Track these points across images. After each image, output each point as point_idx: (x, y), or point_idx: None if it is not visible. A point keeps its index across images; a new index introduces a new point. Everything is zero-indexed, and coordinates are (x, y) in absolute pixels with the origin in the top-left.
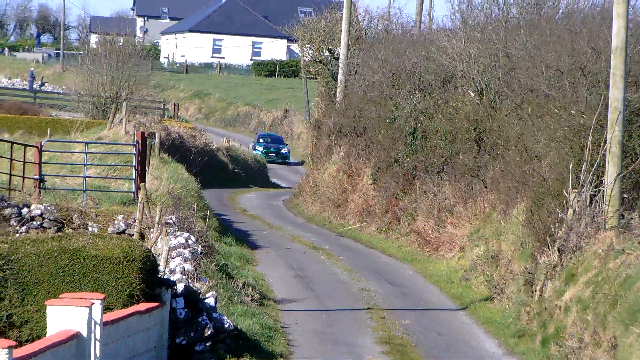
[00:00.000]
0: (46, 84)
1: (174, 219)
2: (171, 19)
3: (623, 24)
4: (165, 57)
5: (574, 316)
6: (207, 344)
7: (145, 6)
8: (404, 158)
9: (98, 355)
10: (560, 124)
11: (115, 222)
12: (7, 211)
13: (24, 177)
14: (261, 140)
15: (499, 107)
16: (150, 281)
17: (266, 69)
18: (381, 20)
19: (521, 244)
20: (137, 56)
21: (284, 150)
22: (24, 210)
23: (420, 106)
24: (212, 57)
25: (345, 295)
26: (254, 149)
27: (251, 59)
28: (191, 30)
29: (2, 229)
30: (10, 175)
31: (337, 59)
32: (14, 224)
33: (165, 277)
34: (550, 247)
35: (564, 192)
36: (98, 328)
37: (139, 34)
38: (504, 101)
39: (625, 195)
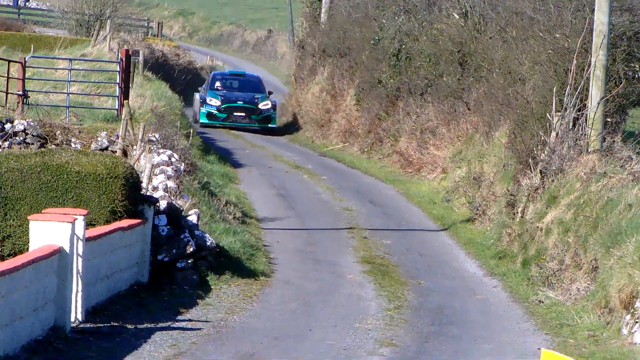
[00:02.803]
0: (30, 1)
1: (157, 136)
2: None
3: None
4: None
5: (555, 238)
6: (189, 261)
7: None
8: (388, 79)
9: (80, 271)
10: (544, 47)
11: (99, 138)
12: None
13: (7, 93)
14: (218, 87)
15: (484, 29)
16: (133, 198)
17: None
18: None
19: (503, 166)
20: None
21: (263, 105)
22: (7, 126)
23: (405, 28)
24: None
25: (327, 214)
26: (203, 104)
27: None
28: None
29: None
30: None
31: None
32: None
33: (148, 194)
34: (532, 169)
35: (547, 115)
36: (80, 243)
37: None
38: (489, 24)
39: (608, 119)
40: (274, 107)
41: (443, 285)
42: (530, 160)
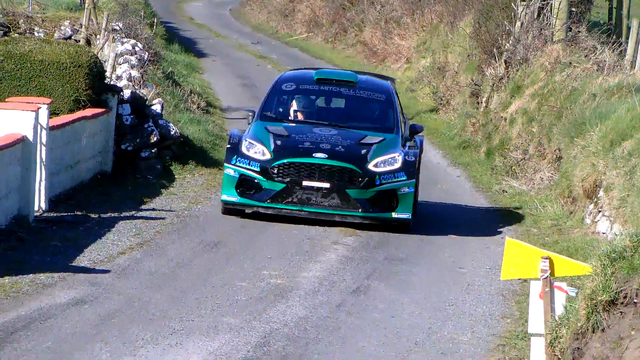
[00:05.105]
0: None
1: (120, 25)
2: None
3: None
4: None
5: (519, 128)
6: (153, 151)
7: None
8: None
9: (44, 160)
10: None
11: (62, 27)
12: None
13: None
14: (288, 112)
15: None
16: (96, 87)
17: None
18: None
19: (468, 56)
20: None
21: (380, 164)
22: None
23: None
24: None
25: None
26: (233, 155)
27: None
28: None
29: None
30: None
31: None
32: None
33: (112, 83)
34: (497, 59)
35: (512, 4)
36: (44, 132)
37: None
38: None
39: (573, 9)
40: (408, 166)
41: None
42: (494, 50)
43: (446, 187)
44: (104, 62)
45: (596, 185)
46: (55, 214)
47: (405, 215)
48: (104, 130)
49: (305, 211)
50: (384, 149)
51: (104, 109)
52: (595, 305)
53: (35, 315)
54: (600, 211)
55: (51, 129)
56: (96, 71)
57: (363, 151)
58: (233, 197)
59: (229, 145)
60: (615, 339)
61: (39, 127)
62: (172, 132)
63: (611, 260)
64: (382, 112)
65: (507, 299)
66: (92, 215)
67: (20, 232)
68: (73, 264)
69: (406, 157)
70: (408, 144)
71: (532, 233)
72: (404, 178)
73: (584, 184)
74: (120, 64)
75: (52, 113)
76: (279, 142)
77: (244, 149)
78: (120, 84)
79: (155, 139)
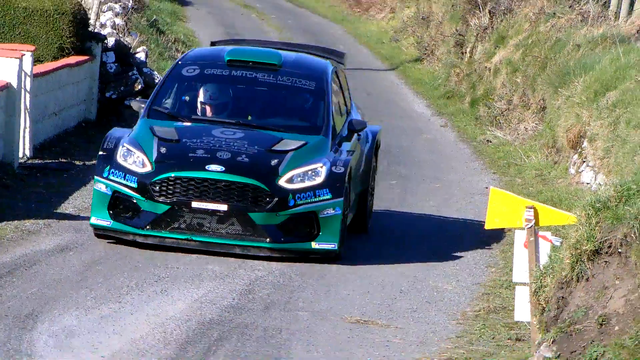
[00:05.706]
0: None
1: None
2: None
3: None
4: None
5: (503, 78)
6: (137, 99)
7: None
8: None
9: (28, 107)
10: None
11: None
12: None
13: None
14: (184, 107)
15: None
16: (80, 35)
17: None
18: None
19: (452, 5)
20: None
21: (297, 179)
22: None
23: None
24: None
25: None
26: (105, 167)
27: None
28: None
29: None
30: None
31: None
32: None
33: (96, 31)
34: (481, 9)
35: None
36: (28, 79)
37: None
38: None
39: None
40: (335, 180)
41: (391, 125)
42: (479, 0)
43: (430, 137)
44: (88, 9)
45: (580, 136)
46: (39, 161)
47: (330, 246)
48: (88, 78)
49: (195, 241)
50: (303, 157)
51: (88, 57)
52: (580, 255)
53: (19, 261)
54: (584, 161)
55: (35, 76)
56: (80, 19)
57: (274, 162)
58: (104, 221)
59: (101, 152)
60: (599, 288)
61: (22, 74)
62: (157, 80)
63: (596, 210)
64: (309, 106)
65: (492, 248)
66: (77, 163)
67: (4, 178)
68: (58, 210)
69: (333, 169)
70: (345, 145)
71: (516, 183)
72: (328, 197)
73: (568, 134)
74: (104, 12)
75: (36, 60)
76: (163, 150)
77: (119, 158)
78: (104, 31)
79: (139, 87)
